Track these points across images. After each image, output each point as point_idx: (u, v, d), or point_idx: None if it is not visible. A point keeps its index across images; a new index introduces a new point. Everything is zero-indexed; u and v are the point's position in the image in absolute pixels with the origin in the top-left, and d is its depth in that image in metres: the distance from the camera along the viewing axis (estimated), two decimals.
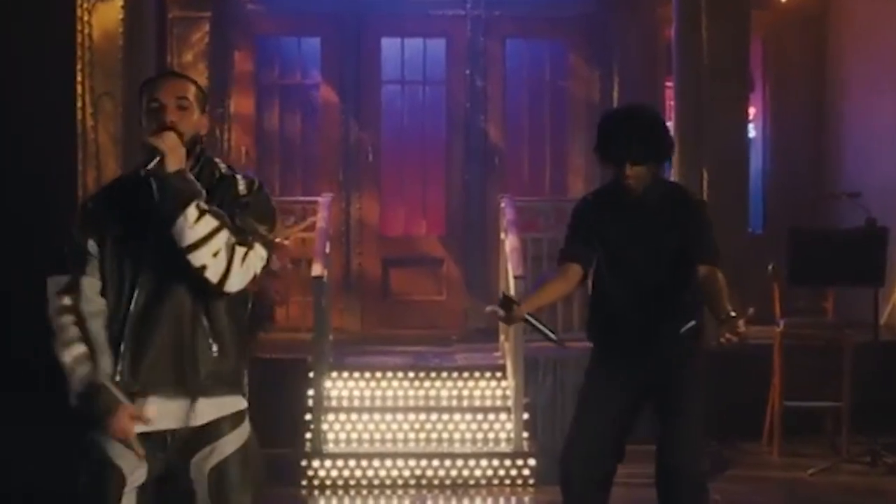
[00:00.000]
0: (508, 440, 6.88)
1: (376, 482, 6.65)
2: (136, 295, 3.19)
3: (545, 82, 9.71)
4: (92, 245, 3.24)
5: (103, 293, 3.24)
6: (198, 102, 3.28)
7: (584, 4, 9.52)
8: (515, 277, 6.84)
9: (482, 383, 7.34)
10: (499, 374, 7.36)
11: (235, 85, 9.55)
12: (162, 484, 3.28)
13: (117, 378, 3.16)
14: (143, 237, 3.20)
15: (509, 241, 7.31)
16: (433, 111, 9.68)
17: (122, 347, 3.18)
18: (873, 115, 9.07)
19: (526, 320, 4.24)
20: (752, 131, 9.67)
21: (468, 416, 7.03)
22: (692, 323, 4.38)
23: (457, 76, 9.59)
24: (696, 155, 7.94)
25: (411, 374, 7.36)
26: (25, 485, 5.88)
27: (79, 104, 7.68)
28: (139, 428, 3.16)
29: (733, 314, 4.04)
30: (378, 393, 7.29)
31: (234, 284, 3.19)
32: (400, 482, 6.66)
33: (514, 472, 6.68)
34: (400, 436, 6.97)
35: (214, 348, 3.22)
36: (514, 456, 6.72)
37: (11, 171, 7.50)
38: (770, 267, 7.40)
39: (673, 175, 8.27)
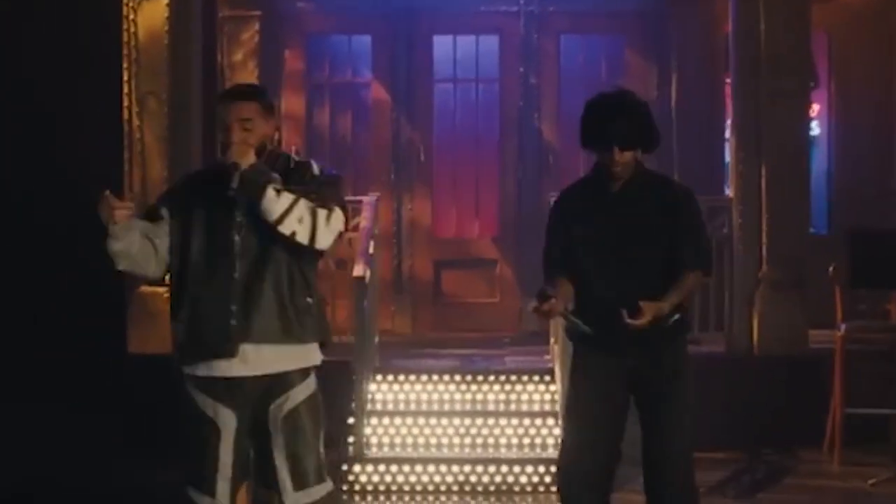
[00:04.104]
0: (556, 445, 6.70)
1: (419, 488, 6.52)
2: (237, 264, 3.78)
3: (600, 79, 9.49)
4: (165, 211, 3.89)
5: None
6: (262, 116, 3.84)
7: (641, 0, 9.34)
8: None
9: (530, 387, 7.21)
10: (547, 378, 7.22)
11: (285, 84, 9.53)
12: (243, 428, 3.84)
13: (233, 332, 3.74)
14: (231, 217, 3.80)
15: None
16: (486, 110, 9.57)
17: (234, 308, 3.75)
18: None
19: (562, 314, 4.20)
20: (817, 129, 9.41)
21: (514, 421, 6.88)
22: (677, 316, 4.24)
23: (510, 74, 9.47)
24: (756, 151, 7.70)
25: (458, 378, 7.25)
26: None
27: (125, 104, 7.71)
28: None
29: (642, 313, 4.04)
30: (424, 397, 7.17)
31: (323, 241, 3.77)
32: (443, 488, 6.52)
33: None
34: (444, 441, 6.83)
35: (309, 300, 3.83)
36: None
37: (58, 172, 7.52)
38: (831, 269, 7.17)
39: (731, 171, 8.10)
